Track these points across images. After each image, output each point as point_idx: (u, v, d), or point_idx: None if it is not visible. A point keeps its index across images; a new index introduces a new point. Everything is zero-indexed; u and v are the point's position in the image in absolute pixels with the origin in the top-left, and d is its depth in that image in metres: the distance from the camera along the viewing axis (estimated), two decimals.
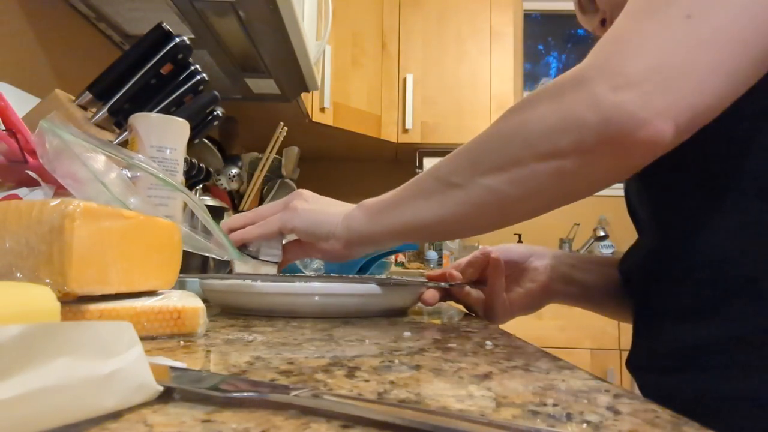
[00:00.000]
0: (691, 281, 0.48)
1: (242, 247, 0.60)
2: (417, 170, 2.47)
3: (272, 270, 0.62)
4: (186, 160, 0.75)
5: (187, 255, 0.47)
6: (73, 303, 0.34)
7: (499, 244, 0.68)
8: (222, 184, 1.64)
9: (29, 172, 0.52)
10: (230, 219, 0.62)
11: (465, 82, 2.44)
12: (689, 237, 0.48)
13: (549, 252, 0.68)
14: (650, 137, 0.37)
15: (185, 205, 0.62)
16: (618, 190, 2.52)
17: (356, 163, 2.77)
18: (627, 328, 1.94)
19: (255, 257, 0.60)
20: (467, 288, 0.66)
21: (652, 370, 0.53)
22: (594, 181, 0.42)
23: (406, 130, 2.39)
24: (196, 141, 0.85)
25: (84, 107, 0.74)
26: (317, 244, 0.57)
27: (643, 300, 0.56)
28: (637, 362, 0.57)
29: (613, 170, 0.41)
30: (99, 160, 0.44)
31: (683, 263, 0.49)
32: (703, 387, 0.46)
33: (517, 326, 2.06)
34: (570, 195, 0.44)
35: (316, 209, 0.56)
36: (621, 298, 0.65)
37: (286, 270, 0.69)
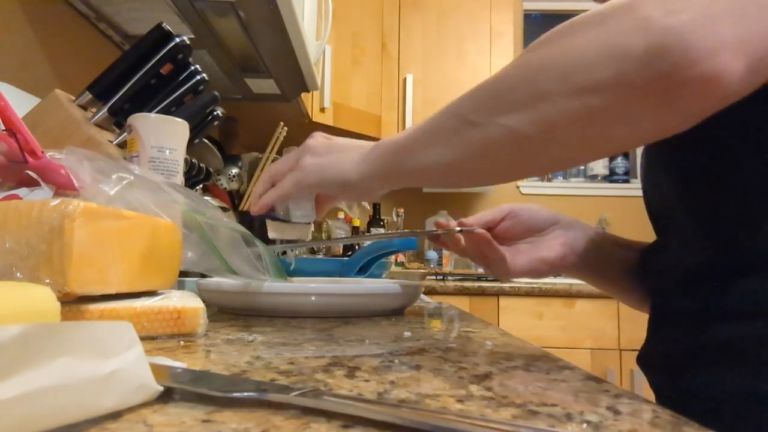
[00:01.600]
0: (745, 282, 0.45)
1: (270, 212, 0.58)
2: None
3: (305, 232, 0.61)
4: (186, 160, 0.75)
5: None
6: (73, 303, 0.34)
7: (527, 204, 0.64)
8: (222, 184, 1.64)
9: (29, 172, 0.52)
10: (255, 187, 0.60)
11: (465, 82, 2.43)
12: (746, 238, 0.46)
13: (575, 224, 0.64)
14: (711, 73, 0.29)
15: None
16: (618, 189, 2.50)
17: None
18: (627, 329, 1.92)
19: (286, 220, 0.59)
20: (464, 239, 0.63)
21: (670, 368, 0.52)
22: (633, 130, 0.34)
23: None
24: (196, 141, 0.85)
25: (84, 107, 0.74)
26: (339, 194, 0.55)
27: (668, 299, 0.54)
28: (652, 359, 0.56)
29: (659, 117, 0.33)
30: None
31: (740, 263, 0.46)
32: (732, 384, 0.46)
33: (517, 326, 2.05)
34: (601, 145, 0.37)
35: (326, 162, 0.52)
36: (635, 285, 0.63)
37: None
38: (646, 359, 0.57)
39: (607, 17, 0.33)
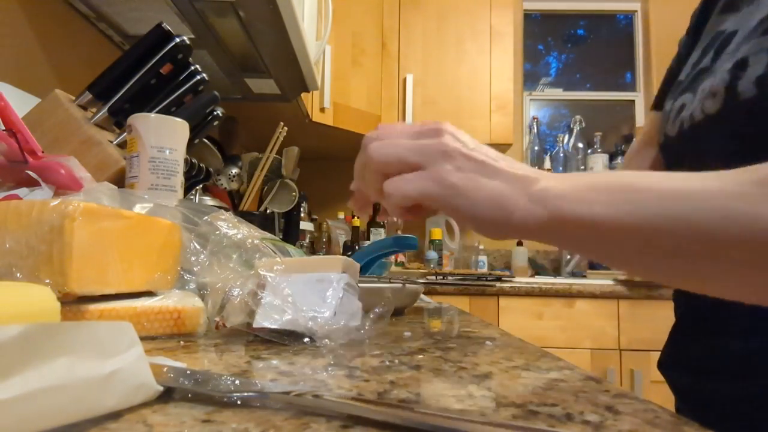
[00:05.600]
0: None
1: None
2: None
3: None
4: (186, 160, 0.75)
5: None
6: (73, 303, 0.34)
7: None
8: (222, 184, 1.64)
9: (29, 172, 0.52)
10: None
11: (465, 82, 2.44)
12: None
13: None
14: None
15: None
16: None
17: None
18: (627, 329, 1.91)
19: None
20: None
21: (702, 374, 0.51)
22: None
23: None
24: (196, 141, 0.85)
25: (84, 107, 0.74)
26: (471, 227, 0.39)
27: (699, 305, 0.53)
28: (673, 364, 0.55)
29: None
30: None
31: None
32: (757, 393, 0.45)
33: (517, 326, 2.05)
34: None
35: (476, 187, 0.37)
36: None
37: None
38: (669, 364, 0.55)
39: None
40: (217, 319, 0.42)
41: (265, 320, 0.39)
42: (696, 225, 0.32)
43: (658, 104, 0.72)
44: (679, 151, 0.57)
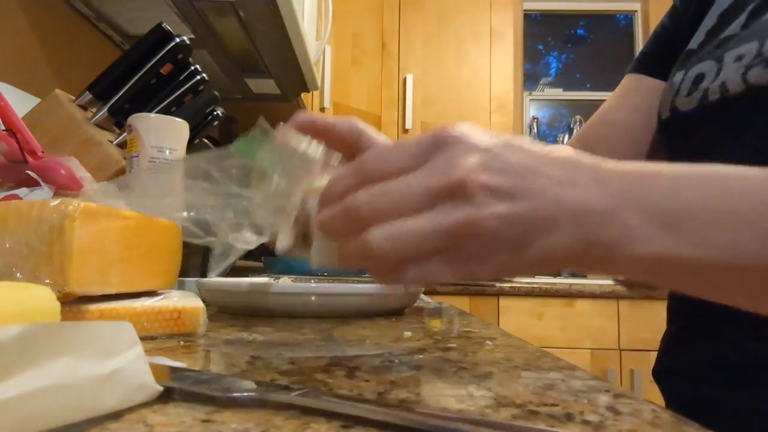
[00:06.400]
0: None
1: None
2: None
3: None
4: None
5: (187, 254, 0.47)
6: (73, 303, 0.34)
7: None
8: None
9: (29, 172, 0.52)
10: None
11: (465, 82, 2.44)
12: None
13: None
14: None
15: None
16: None
17: None
18: (627, 328, 1.91)
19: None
20: None
21: (698, 382, 0.50)
22: None
23: (406, 130, 2.39)
24: (196, 141, 0.85)
25: (84, 107, 0.74)
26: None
27: (702, 311, 0.50)
28: (673, 372, 0.53)
29: None
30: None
31: None
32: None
33: (517, 326, 2.05)
34: None
35: (530, 210, 0.26)
36: None
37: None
38: (666, 371, 0.54)
39: None
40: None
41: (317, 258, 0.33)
42: None
43: (649, 67, 0.63)
44: (699, 128, 0.51)
